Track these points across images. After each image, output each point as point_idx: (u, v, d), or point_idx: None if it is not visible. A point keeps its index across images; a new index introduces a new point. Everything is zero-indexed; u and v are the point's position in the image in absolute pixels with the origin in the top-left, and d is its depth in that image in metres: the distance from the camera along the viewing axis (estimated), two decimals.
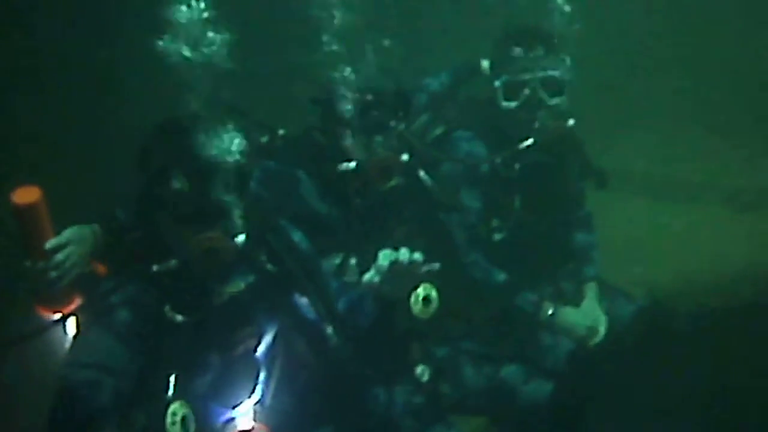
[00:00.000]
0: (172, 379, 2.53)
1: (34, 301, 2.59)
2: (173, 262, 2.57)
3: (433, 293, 3.18)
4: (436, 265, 2.78)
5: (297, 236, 2.97)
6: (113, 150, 2.60)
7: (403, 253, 2.73)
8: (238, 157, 2.62)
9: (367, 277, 2.79)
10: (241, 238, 2.62)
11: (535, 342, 3.61)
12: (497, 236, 3.60)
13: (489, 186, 3.58)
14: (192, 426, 2.59)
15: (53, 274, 2.53)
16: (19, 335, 2.53)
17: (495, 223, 3.60)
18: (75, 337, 2.58)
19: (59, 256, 2.54)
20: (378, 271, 2.77)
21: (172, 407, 2.49)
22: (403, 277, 2.77)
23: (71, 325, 2.60)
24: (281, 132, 3.36)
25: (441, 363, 3.41)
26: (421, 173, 3.38)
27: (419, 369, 3.28)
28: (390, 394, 3.22)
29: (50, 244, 2.52)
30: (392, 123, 3.17)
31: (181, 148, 2.58)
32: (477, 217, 3.58)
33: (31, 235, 2.48)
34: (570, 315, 3.59)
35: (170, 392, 2.52)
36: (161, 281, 2.58)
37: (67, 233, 2.60)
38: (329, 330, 2.79)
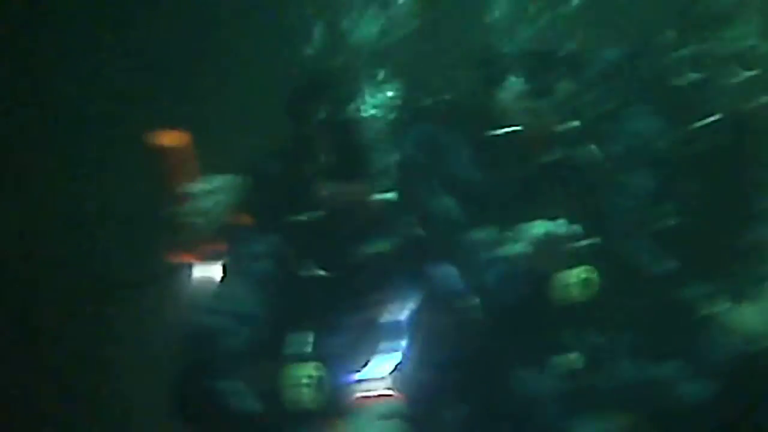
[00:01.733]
0: (307, 337, 2.46)
1: (177, 246, 2.60)
2: (316, 215, 2.50)
3: (595, 276, 2.96)
4: (597, 240, 2.56)
5: (448, 202, 2.84)
6: (264, 100, 2.54)
7: (561, 225, 2.53)
8: (391, 114, 2.53)
9: (518, 247, 2.62)
10: (388, 196, 2.52)
11: (702, 339, 3.31)
12: (669, 222, 3.33)
13: (663, 167, 3.31)
14: (326, 389, 2.52)
15: (198, 220, 2.52)
16: (159, 278, 2.54)
17: (667, 207, 3.32)
18: (215, 284, 2.56)
19: (206, 203, 2.53)
20: (531, 243, 2.59)
21: (307, 367, 2.42)
22: (558, 252, 2.58)
23: (212, 272, 2.60)
24: (446, 96, 3.23)
25: (596, 352, 3.20)
26: (588, 146, 3.14)
27: (572, 355, 3.07)
28: (537, 378, 3.03)
29: (196, 189, 2.51)
30: (560, 87, 2.97)
31: (332, 99, 2.51)
32: (646, 200, 3.32)
33: (176, 180, 2.48)
34: (745, 314, 3.26)
35: (305, 350, 2.45)
36: (303, 234, 2.52)
37: (214, 181, 2.59)
38: (475, 303, 2.64)
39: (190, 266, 2.57)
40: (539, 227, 2.57)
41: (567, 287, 2.94)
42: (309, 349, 2.46)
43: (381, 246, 2.59)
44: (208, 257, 2.55)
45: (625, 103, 3.45)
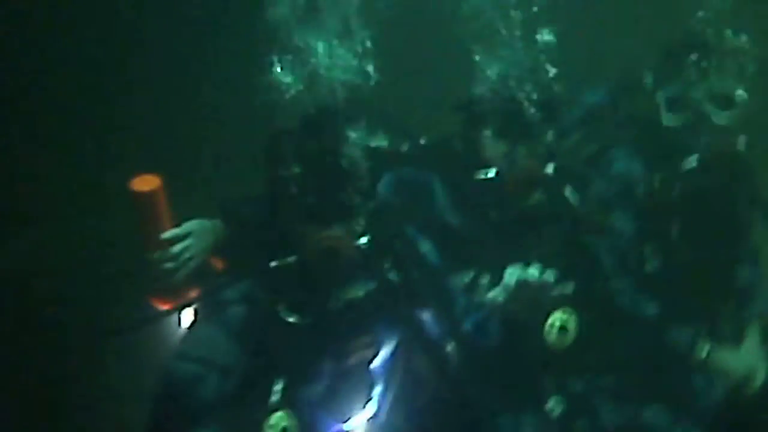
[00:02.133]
0: (279, 385, 2.42)
1: (149, 292, 2.57)
2: (291, 260, 2.47)
3: (571, 322, 2.93)
4: (570, 288, 2.53)
5: (426, 247, 2.81)
6: (241, 145, 2.53)
7: (533, 272, 2.50)
8: (367, 157, 2.51)
9: (491, 294, 2.59)
10: (363, 240, 2.49)
11: (684, 383, 3.27)
12: (650, 265, 3.30)
13: (644, 210, 3.29)
14: None
15: (170, 265, 2.49)
16: (132, 325, 2.50)
17: (648, 250, 3.30)
18: (187, 330, 2.53)
19: (177, 248, 2.51)
20: (504, 289, 2.56)
21: (275, 417, 2.38)
22: (532, 299, 2.55)
23: (185, 318, 2.56)
24: (422, 140, 3.22)
25: (576, 397, 3.15)
26: (568, 190, 3.12)
27: (551, 402, 3.03)
28: (516, 425, 2.99)
29: (168, 234, 2.49)
30: (538, 131, 2.96)
31: (309, 144, 2.48)
32: (629, 243, 3.30)
33: (148, 225, 2.46)
34: (727, 357, 3.23)
35: (275, 398, 2.40)
36: (278, 279, 2.49)
37: (188, 225, 2.56)
38: (450, 349, 2.60)
39: (166, 312, 2.53)
40: (512, 273, 2.53)
41: (546, 332, 2.91)
42: (281, 397, 2.41)
43: (357, 291, 2.56)
44: (184, 303, 2.51)
45: (606, 146, 3.46)
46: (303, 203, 2.46)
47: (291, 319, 2.49)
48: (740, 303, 3.34)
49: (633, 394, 3.24)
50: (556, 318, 2.89)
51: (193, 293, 2.58)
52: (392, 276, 2.64)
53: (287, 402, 2.42)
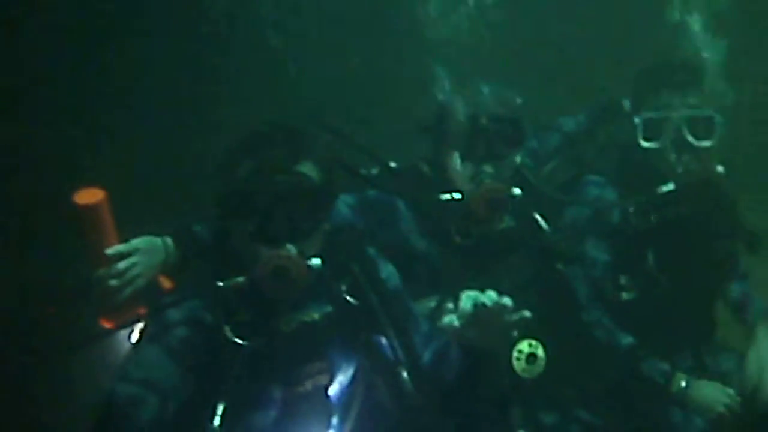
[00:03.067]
0: (219, 409, 2.31)
1: (97, 310, 2.47)
2: (240, 280, 2.37)
3: (540, 351, 2.82)
4: (527, 314, 2.42)
5: (387, 270, 2.71)
6: (195, 160, 2.44)
7: (489, 296, 2.40)
8: (323, 177, 2.42)
9: (446, 320, 2.48)
10: (315, 261, 2.40)
11: (661, 417, 3.15)
12: (625, 295, 3.19)
13: (619, 238, 3.20)
14: None
15: (113, 282, 2.40)
16: (77, 345, 2.40)
17: (623, 280, 3.19)
18: (132, 349, 2.42)
19: (122, 265, 2.41)
20: (459, 315, 2.46)
21: None
22: (489, 324, 2.44)
23: (134, 337, 2.46)
24: (392, 164, 3.14)
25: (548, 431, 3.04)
26: (536, 215, 3.03)
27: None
28: None
29: (112, 250, 2.39)
30: (504, 151, 2.87)
31: (262, 163, 2.40)
32: (603, 272, 3.20)
33: (92, 239, 2.37)
34: (706, 390, 3.11)
35: (214, 424, 2.29)
36: (225, 300, 2.38)
37: (136, 242, 2.47)
38: (408, 377, 2.48)
39: (112, 331, 2.43)
40: (468, 297, 2.43)
41: (514, 359, 2.80)
42: (220, 423, 2.30)
43: (311, 315, 2.46)
44: (131, 322, 2.41)
45: (582, 172, 3.38)
46: (253, 222, 2.37)
47: (237, 341, 2.38)
48: (739, 309, 3.22)
49: (608, 428, 3.12)
50: (525, 344, 2.81)
51: (141, 312, 2.48)
52: (349, 299, 2.54)
53: (227, 428, 2.30)
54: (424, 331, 2.68)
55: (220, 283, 2.36)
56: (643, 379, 3.13)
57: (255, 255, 2.36)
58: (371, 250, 2.71)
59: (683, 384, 3.10)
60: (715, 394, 3.10)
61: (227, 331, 2.38)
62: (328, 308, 2.50)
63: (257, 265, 2.34)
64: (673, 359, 3.16)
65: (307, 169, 2.41)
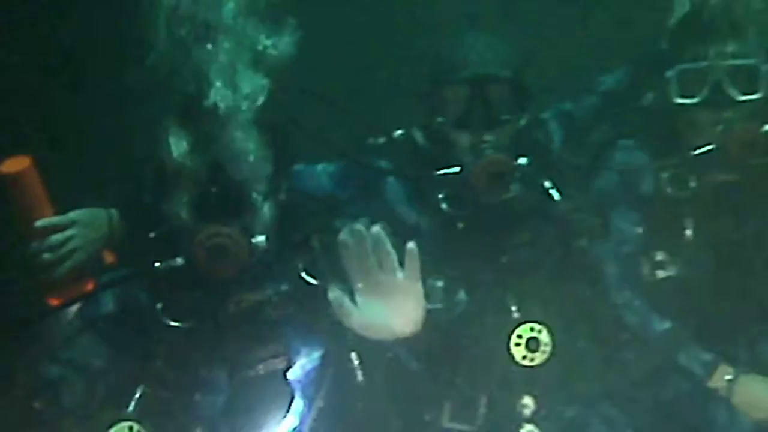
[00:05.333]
0: (137, 393, 2.13)
1: (39, 286, 2.34)
2: (179, 260, 2.19)
3: (544, 336, 2.50)
4: (412, 246, 2.04)
5: None
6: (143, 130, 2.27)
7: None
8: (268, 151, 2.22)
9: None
10: (260, 239, 2.19)
11: (700, 414, 2.75)
12: (661, 273, 2.80)
13: (652, 208, 2.80)
14: None
15: (47, 255, 2.25)
16: (16, 323, 2.27)
17: (659, 256, 2.80)
18: (66, 329, 2.28)
19: (57, 237, 2.26)
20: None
21: (117, 427, 2.08)
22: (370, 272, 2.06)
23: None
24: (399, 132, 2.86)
25: (566, 426, 2.70)
26: (546, 184, 2.67)
27: (524, 430, 2.59)
28: None
29: (44, 222, 2.25)
30: (507, 117, 2.54)
31: (202, 134, 2.21)
32: (635, 247, 2.81)
33: (21, 210, 2.23)
34: (756, 385, 2.69)
35: (129, 408, 2.12)
36: (161, 280, 2.21)
37: (74, 214, 2.32)
38: (354, 360, 2.23)
39: (54, 309, 2.29)
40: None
41: (510, 345, 2.49)
42: (135, 406, 2.12)
43: (259, 295, 2.26)
44: (73, 299, 2.27)
45: (617, 136, 2.99)
46: (196, 196, 2.19)
47: (173, 324, 2.20)
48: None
49: (636, 425, 2.75)
50: (525, 329, 2.50)
51: (88, 288, 2.34)
52: (308, 278, 2.31)
53: (141, 412, 2.13)
54: None
55: (157, 264, 2.19)
56: (680, 370, 2.74)
57: (193, 233, 2.18)
58: (339, 223, 2.46)
59: (729, 378, 2.69)
60: (766, 391, 2.67)
61: (160, 312, 2.21)
62: (284, 287, 2.29)
63: (193, 242, 2.16)
64: (718, 349, 2.74)
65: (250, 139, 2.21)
